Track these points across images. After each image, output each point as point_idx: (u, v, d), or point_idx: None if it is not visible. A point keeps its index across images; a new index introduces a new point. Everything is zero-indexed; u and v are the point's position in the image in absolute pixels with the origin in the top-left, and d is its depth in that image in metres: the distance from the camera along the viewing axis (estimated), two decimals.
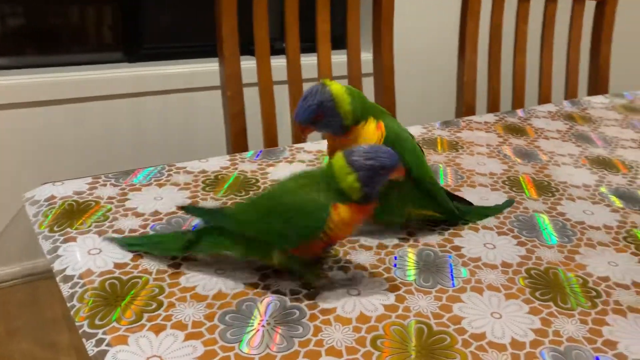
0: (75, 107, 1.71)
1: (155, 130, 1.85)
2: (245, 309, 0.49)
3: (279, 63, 1.23)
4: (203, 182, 0.73)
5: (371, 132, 0.58)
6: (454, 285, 0.55)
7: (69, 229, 0.60)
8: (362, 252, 0.60)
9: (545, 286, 0.56)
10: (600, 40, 1.51)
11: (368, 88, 1.30)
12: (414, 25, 2.22)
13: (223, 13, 1.14)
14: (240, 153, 0.83)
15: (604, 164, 0.89)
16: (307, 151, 0.86)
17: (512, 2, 1.48)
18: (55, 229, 0.60)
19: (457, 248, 0.62)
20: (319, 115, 0.56)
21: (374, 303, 0.52)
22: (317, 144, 0.89)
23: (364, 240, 0.62)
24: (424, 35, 2.28)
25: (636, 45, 2.61)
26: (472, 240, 0.63)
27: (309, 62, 1.33)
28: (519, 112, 1.15)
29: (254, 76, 1.16)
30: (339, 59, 1.33)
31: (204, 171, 0.76)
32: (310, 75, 1.34)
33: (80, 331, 0.46)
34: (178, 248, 0.55)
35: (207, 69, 1.88)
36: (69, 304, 0.49)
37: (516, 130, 1.02)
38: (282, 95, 1.25)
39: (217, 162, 0.79)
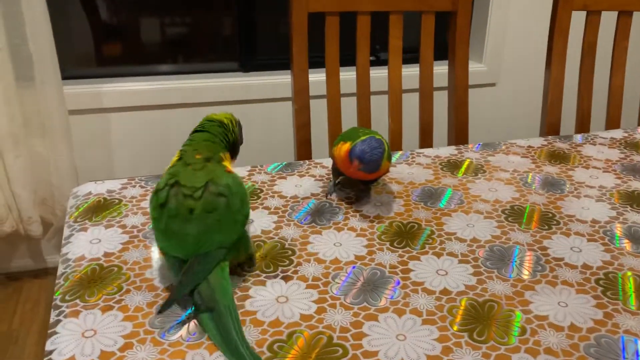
0: (190, 111, 1.94)
1: (256, 134, 2.02)
2: None
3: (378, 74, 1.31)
4: None
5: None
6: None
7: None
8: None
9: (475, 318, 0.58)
10: None
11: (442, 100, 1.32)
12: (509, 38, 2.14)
13: (293, 34, 1.26)
14: (262, 165, 0.92)
15: (634, 200, 0.83)
16: (323, 166, 0.92)
17: (609, 17, 1.38)
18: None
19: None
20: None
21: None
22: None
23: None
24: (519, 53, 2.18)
25: None
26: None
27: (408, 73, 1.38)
28: (578, 137, 1.09)
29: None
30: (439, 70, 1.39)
31: None
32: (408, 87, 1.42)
33: None
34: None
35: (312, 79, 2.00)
36: None
37: (558, 157, 0.99)
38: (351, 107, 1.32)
39: (239, 171, 0.89)
